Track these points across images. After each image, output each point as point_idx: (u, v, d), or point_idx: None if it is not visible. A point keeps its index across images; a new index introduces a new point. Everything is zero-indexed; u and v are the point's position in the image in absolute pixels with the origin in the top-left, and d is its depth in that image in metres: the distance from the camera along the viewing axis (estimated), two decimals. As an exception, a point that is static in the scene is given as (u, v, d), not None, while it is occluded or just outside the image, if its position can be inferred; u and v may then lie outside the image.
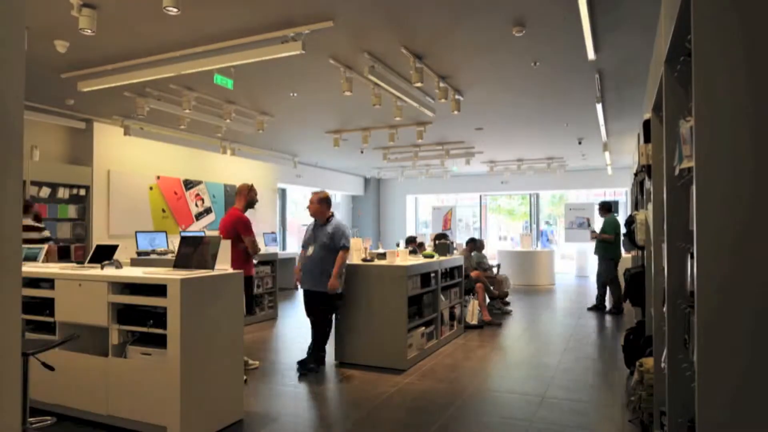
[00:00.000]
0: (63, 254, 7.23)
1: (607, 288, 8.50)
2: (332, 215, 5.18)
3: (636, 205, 5.84)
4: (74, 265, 4.40)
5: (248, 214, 5.22)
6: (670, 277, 2.46)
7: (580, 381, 4.77)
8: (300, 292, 11.30)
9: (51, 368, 3.25)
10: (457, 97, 6.40)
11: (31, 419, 3.43)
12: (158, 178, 9.06)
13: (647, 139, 3.53)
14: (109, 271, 3.76)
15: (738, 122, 1.47)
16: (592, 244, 8.84)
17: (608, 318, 8.03)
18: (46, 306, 3.80)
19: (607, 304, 8.60)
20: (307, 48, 4.37)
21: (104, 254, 4.06)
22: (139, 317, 3.53)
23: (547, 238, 16.15)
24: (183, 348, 3.29)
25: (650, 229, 3.79)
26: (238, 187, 5.30)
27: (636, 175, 5.87)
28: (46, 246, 4.74)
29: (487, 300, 8.37)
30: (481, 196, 16.23)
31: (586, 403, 4.19)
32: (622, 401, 4.17)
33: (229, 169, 10.78)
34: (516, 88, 6.36)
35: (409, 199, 16.95)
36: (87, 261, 4.18)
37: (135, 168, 8.63)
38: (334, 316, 5.28)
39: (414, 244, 7.70)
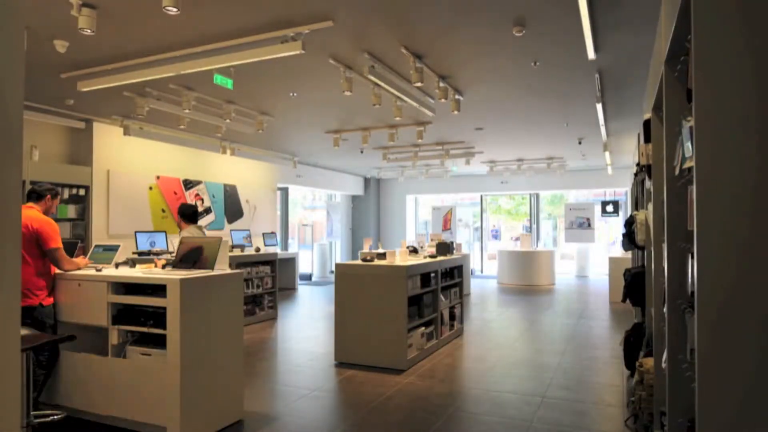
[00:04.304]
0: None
1: None
2: None
3: (636, 205, 5.84)
4: None
5: None
6: (670, 277, 2.46)
7: (580, 381, 4.77)
8: (300, 290, 11.35)
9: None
10: (457, 97, 6.40)
11: (36, 413, 3.42)
12: (158, 178, 9.06)
13: (647, 139, 3.53)
14: (109, 271, 3.76)
15: (738, 122, 1.47)
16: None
17: (608, 318, 8.03)
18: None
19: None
20: (307, 48, 4.37)
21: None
22: (139, 317, 3.53)
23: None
24: (183, 348, 3.29)
25: (650, 229, 3.79)
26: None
27: (636, 175, 5.86)
28: None
29: None
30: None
31: (586, 403, 4.19)
32: (622, 401, 4.17)
33: (229, 169, 10.78)
34: (516, 88, 6.35)
35: (409, 199, 16.94)
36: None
37: (135, 168, 8.63)
38: None
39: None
